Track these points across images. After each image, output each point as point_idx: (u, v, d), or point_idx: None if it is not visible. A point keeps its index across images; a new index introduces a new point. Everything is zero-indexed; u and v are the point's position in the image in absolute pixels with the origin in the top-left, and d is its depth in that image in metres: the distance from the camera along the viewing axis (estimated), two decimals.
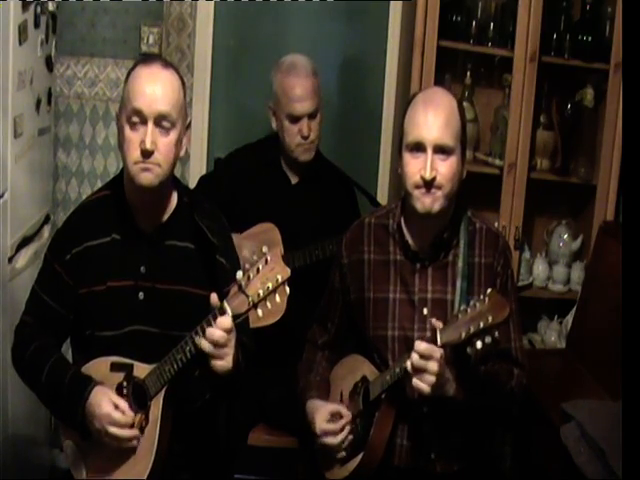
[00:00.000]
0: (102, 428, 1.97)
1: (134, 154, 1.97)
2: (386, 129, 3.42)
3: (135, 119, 1.97)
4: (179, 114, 2.01)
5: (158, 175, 1.99)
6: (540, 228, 3.36)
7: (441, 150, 2.06)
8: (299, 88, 2.77)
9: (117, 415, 1.96)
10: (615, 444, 2.01)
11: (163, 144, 1.98)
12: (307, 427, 2.21)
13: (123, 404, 1.98)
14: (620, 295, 1.89)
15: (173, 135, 2.00)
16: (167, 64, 2.06)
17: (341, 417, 2.15)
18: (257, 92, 3.30)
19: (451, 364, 1.99)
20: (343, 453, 2.15)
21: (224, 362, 1.89)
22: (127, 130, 1.99)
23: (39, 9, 2.80)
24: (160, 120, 1.97)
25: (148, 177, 1.98)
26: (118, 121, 2.04)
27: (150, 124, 1.97)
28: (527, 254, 3.27)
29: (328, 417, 2.14)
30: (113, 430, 1.96)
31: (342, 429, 2.14)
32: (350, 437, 2.14)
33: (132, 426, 1.98)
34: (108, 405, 1.97)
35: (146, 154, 1.96)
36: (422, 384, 1.94)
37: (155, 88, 1.98)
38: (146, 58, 2.13)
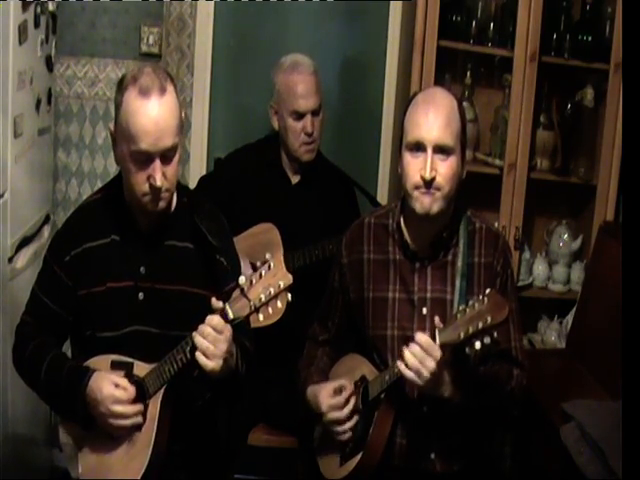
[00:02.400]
0: (106, 410, 1.97)
1: (142, 187, 1.96)
2: (386, 129, 3.42)
3: (141, 158, 1.93)
4: (179, 135, 1.98)
5: (166, 199, 2.00)
6: (540, 228, 3.36)
7: (441, 150, 2.05)
8: (303, 85, 2.78)
9: (119, 393, 1.97)
10: (615, 444, 2.01)
11: (169, 170, 1.96)
12: (307, 421, 2.21)
13: (122, 381, 1.99)
14: (620, 295, 1.89)
15: (176, 156, 1.98)
16: (163, 87, 1.92)
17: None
18: (257, 92, 3.30)
19: (449, 366, 1.99)
20: (348, 434, 2.13)
21: (212, 362, 1.89)
22: (130, 164, 1.95)
23: (39, 9, 2.80)
24: (166, 152, 1.94)
25: (158, 205, 1.99)
26: (116, 142, 1.98)
27: (157, 161, 1.93)
28: (527, 254, 3.27)
29: (332, 393, 2.14)
30: (118, 408, 1.97)
31: (347, 401, 2.13)
32: (356, 417, 2.13)
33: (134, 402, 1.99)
34: (109, 386, 1.98)
35: (157, 189, 1.95)
36: (415, 376, 1.93)
37: (159, 124, 1.91)
38: (141, 84, 1.91)
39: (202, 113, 3.37)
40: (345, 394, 2.14)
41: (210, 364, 1.89)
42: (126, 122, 1.92)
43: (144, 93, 1.91)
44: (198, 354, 1.89)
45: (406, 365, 1.94)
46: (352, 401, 2.14)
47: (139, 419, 2.00)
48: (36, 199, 3.00)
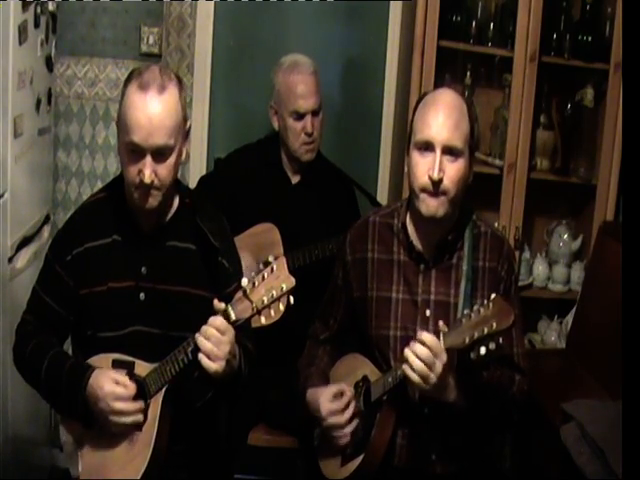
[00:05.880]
0: (107, 407, 1.97)
1: (134, 180, 1.97)
2: (386, 129, 3.42)
3: (133, 149, 1.95)
4: (177, 137, 1.98)
5: (157, 197, 2.00)
6: (540, 228, 3.37)
7: (450, 152, 2.04)
8: (303, 85, 2.78)
9: (120, 390, 1.97)
10: (615, 444, 2.01)
11: (162, 169, 1.97)
12: (307, 421, 2.21)
13: (123, 378, 1.99)
14: (620, 295, 1.89)
15: (172, 158, 1.98)
16: (163, 86, 1.95)
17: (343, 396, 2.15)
18: (257, 92, 3.30)
19: (453, 370, 1.97)
20: (348, 438, 2.13)
21: (215, 364, 1.89)
22: (125, 155, 1.98)
23: (39, 9, 2.80)
24: (158, 150, 1.95)
25: (149, 201, 1.99)
26: (118, 133, 2.01)
27: (148, 156, 1.95)
28: (527, 254, 3.27)
29: (332, 398, 2.14)
30: (118, 405, 1.97)
31: (347, 406, 2.13)
32: (356, 421, 2.13)
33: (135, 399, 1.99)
34: (110, 383, 1.97)
35: (145, 185, 1.96)
36: (422, 381, 1.92)
37: (152, 120, 1.92)
38: (143, 79, 1.95)
39: (202, 113, 3.37)
40: (345, 399, 2.13)
41: (213, 366, 1.89)
42: (124, 113, 1.97)
43: (143, 87, 1.95)
44: (201, 356, 1.89)
45: (412, 368, 1.91)
46: (352, 406, 2.14)
47: (140, 417, 2.00)
48: (36, 199, 3.00)
